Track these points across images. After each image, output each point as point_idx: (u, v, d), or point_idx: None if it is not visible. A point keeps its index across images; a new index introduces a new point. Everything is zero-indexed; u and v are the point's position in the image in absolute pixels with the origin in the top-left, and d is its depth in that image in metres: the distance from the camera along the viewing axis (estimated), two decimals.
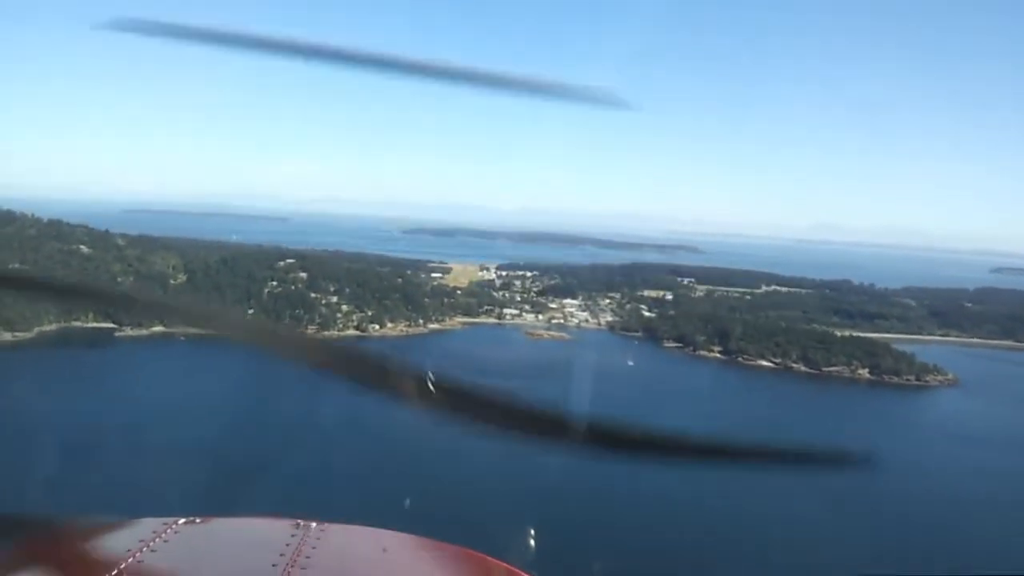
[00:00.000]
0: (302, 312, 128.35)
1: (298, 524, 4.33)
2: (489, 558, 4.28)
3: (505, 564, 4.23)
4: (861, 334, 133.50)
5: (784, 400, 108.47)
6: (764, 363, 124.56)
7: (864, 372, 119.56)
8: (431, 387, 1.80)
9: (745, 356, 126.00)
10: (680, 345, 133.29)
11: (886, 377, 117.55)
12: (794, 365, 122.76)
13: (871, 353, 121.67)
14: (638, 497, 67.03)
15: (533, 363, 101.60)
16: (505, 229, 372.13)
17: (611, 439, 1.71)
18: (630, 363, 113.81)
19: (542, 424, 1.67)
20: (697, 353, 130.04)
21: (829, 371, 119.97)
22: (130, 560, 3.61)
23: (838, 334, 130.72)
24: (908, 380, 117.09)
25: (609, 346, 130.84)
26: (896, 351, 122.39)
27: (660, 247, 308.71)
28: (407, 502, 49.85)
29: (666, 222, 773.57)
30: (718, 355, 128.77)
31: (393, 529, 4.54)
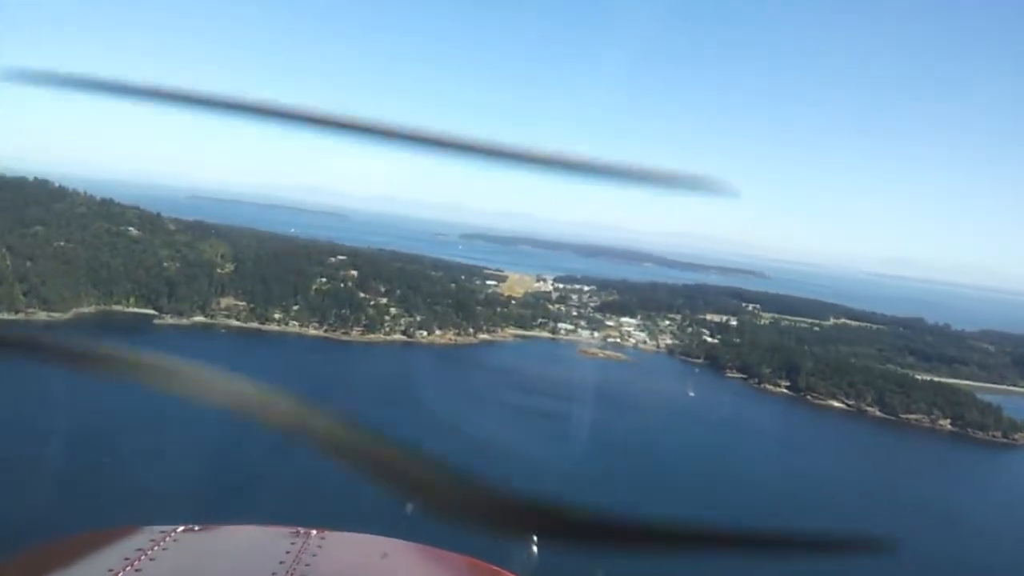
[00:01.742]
0: (348, 312, 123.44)
1: (298, 532, 4.24)
2: (490, 565, 4.15)
3: (505, 571, 4.06)
4: (941, 379, 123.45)
5: (860, 448, 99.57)
6: (835, 403, 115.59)
7: (946, 423, 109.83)
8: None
9: (815, 394, 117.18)
10: (744, 376, 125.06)
11: (970, 431, 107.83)
12: (868, 408, 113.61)
13: (954, 403, 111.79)
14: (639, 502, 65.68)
15: (586, 384, 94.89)
16: (565, 240, 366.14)
17: (597, 530, 1.78)
18: (691, 394, 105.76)
19: (525, 515, 1.77)
20: (762, 386, 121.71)
21: (907, 418, 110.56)
22: (128, 569, 3.55)
23: (918, 378, 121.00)
24: (994, 436, 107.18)
25: (668, 371, 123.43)
26: (982, 402, 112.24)
27: (724, 270, 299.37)
28: (408, 507, 46.33)
29: (732, 245, 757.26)
30: (785, 390, 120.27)
31: (393, 536, 4.35)
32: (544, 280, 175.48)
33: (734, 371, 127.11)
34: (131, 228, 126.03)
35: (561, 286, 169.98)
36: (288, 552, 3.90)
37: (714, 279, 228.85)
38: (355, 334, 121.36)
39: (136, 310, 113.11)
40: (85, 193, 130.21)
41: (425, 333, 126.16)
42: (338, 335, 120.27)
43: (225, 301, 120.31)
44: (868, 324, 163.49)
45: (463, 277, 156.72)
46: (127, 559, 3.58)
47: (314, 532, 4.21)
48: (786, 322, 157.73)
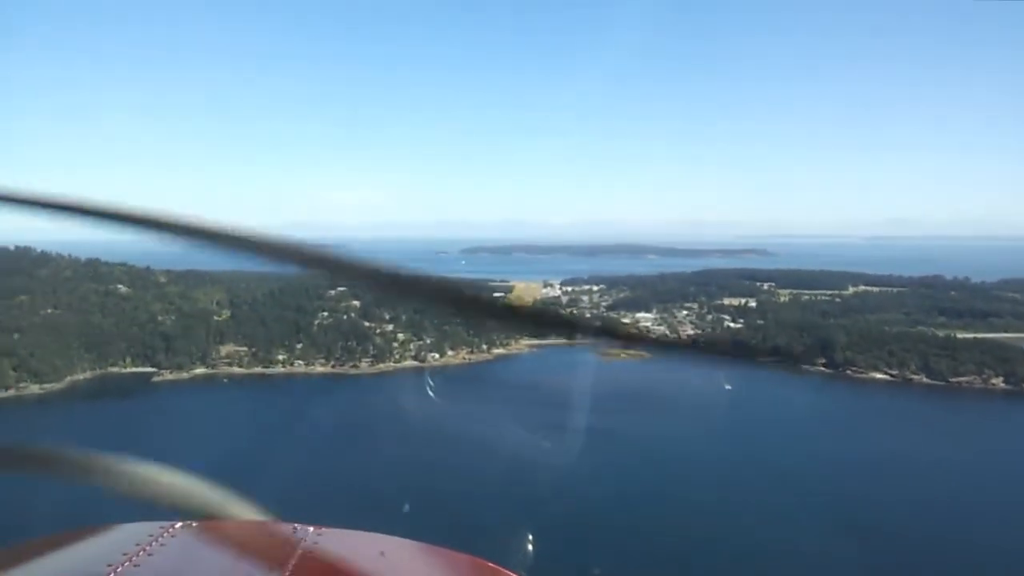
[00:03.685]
0: (354, 343, 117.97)
1: (295, 527, 4.10)
2: (489, 563, 4.00)
3: (505, 569, 3.88)
4: (983, 335, 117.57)
5: (919, 419, 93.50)
6: (878, 375, 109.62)
7: (998, 381, 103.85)
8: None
9: (855, 368, 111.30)
10: (776, 359, 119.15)
11: None
12: (914, 376, 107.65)
13: (1003, 359, 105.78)
14: (631, 499, 65.92)
15: (616, 389, 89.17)
16: (563, 243, 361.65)
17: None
18: (727, 386, 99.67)
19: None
20: (798, 367, 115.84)
21: (958, 382, 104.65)
22: (126, 564, 3.42)
23: (960, 337, 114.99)
24: None
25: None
26: None
27: (727, 252, 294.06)
28: (406, 507, 49.54)
29: (728, 226, 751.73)
30: (822, 369, 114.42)
31: (392, 533, 4.18)
32: (551, 285, 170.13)
33: (764, 355, 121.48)
34: (120, 285, 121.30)
35: (569, 289, 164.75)
36: (285, 548, 3.67)
37: (719, 262, 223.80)
38: (364, 366, 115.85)
39: (134, 369, 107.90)
40: (70, 256, 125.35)
41: (437, 355, 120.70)
42: (347, 369, 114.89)
43: (225, 349, 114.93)
44: (888, 288, 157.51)
45: None
46: (125, 554, 3.37)
47: (311, 528, 3.93)
48: (805, 297, 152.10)
